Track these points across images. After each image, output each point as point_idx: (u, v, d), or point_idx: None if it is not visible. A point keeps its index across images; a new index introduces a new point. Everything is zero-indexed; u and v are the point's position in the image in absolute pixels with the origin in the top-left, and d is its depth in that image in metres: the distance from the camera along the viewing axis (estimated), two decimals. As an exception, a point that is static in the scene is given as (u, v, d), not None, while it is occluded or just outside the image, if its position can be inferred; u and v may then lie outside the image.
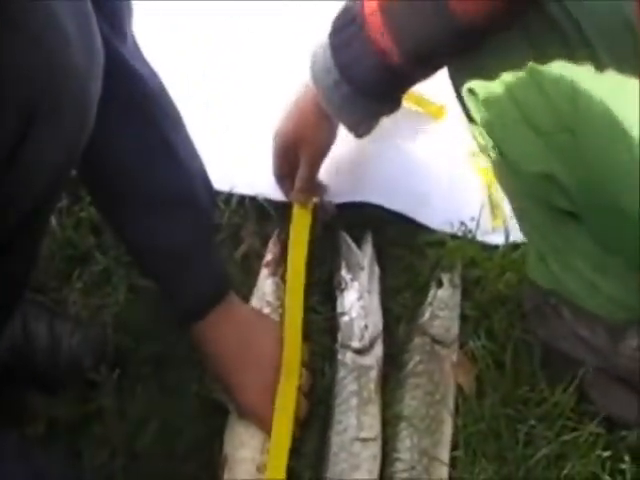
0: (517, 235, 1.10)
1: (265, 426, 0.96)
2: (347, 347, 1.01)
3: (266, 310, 1.02)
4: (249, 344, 0.97)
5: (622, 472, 0.95)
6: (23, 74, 0.66)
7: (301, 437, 0.97)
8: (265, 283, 1.04)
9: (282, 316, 1.02)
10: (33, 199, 0.76)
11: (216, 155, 1.05)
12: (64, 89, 0.69)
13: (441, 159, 1.16)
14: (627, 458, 0.95)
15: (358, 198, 1.12)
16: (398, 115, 0.97)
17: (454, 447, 0.98)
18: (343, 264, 1.05)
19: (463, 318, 1.06)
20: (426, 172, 1.15)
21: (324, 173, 1.08)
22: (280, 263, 1.06)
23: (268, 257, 1.06)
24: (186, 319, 0.95)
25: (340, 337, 1.02)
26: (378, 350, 1.01)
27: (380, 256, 1.08)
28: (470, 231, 1.11)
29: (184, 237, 0.92)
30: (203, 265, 0.94)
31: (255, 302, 1.03)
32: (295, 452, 0.96)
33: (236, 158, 1.13)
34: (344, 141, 1.04)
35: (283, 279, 1.05)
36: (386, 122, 0.99)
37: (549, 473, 0.96)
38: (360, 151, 1.12)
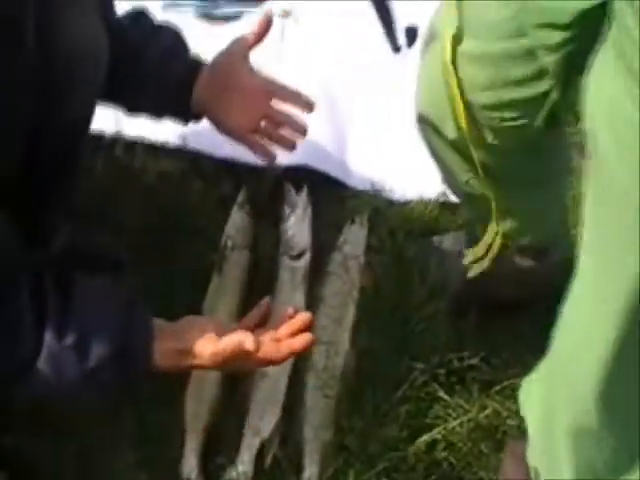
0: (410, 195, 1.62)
1: (241, 140, 1.40)
2: (285, 254, 1.49)
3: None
4: (233, 84, 1.38)
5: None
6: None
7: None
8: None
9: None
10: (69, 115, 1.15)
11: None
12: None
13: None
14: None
15: (302, 160, 1.61)
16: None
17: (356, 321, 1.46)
18: (286, 203, 1.54)
19: (368, 245, 1.55)
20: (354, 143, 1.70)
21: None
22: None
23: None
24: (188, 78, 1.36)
25: (281, 248, 1.50)
26: (306, 258, 1.49)
27: (314, 203, 1.56)
28: (377, 189, 1.63)
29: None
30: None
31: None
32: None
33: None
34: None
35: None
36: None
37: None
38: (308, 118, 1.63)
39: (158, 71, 1.37)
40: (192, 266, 1.49)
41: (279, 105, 1.42)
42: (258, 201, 1.57)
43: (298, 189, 1.56)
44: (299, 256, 1.49)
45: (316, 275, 1.49)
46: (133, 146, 1.61)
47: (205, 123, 1.49)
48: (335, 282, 1.49)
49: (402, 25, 1.83)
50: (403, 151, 1.68)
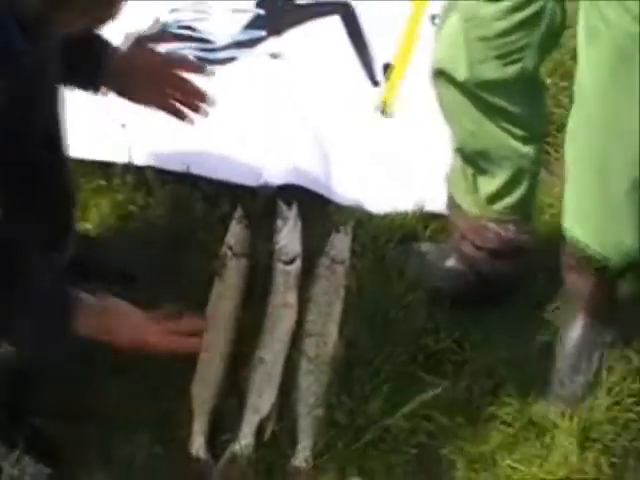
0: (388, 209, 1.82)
1: (159, 106, 1.63)
2: (279, 260, 1.68)
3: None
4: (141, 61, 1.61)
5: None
6: None
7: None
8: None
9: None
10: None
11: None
12: None
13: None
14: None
15: (292, 180, 1.83)
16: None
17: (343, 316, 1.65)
18: (278, 217, 1.74)
19: (352, 251, 1.74)
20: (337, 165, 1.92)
21: (267, 155, 1.84)
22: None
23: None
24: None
25: (275, 255, 1.70)
26: (298, 263, 1.68)
27: (303, 217, 1.76)
28: (358, 204, 1.83)
29: None
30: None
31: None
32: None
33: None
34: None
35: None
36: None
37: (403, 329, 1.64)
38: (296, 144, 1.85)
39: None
40: (197, 274, 1.69)
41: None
42: (253, 217, 1.76)
43: (289, 205, 1.76)
44: (292, 261, 1.69)
45: (307, 277, 1.68)
46: (143, 172, 1.81)
47: (208, 150, 1.72)
48: (323, 283, 1.68)
49: (380, 62, 2.05)
50: (380, 171, 1.89)
